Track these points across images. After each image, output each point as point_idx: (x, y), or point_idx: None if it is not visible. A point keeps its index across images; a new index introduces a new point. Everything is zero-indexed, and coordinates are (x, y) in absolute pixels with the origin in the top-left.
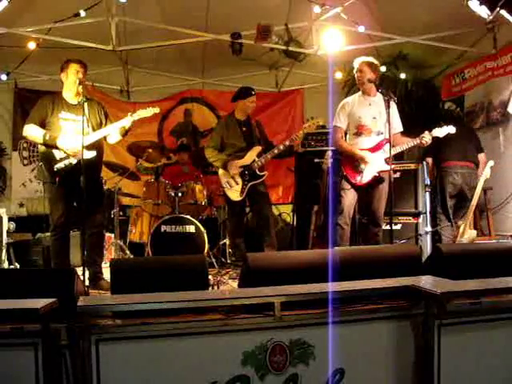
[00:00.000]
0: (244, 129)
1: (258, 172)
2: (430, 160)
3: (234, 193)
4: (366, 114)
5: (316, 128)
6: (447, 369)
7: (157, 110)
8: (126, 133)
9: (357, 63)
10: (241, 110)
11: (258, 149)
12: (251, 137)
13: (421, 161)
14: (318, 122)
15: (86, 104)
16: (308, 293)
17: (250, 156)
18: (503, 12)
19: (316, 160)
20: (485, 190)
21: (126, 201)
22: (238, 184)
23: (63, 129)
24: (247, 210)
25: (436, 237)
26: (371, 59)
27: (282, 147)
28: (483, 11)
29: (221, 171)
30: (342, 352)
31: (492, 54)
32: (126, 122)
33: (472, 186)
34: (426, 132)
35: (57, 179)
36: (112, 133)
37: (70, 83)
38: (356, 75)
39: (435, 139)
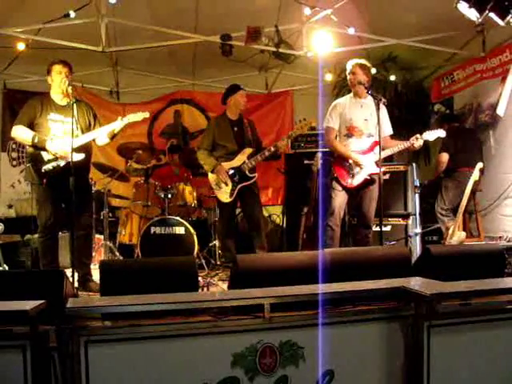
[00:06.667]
0: (236, 129)
1: (248, 174)
2: (446, 156)
3: (224, 194)
4: (357, 115)
5: (308, 130)
6: (437, 370)
7: (147, 114)
8: (114, 136)
9: (350, 65)
10: (233, 107)
11: (248, 151)
12: (243, 138)
13: (411, 162)
14: (311, 123)
15: (74, 105)
16: (298, 294)
17: (240, 158)
18: (492, 15)
19: (306, 161)
20: (474, 192)
21: (115, 202)
22: (227, 186)
23: (52, 130)
24: (237, 211)
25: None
26: (364, 62)
27: (273, 148)
28: (472, 14)
29: (210, 173)
30: (332, 353)
31: (481, 57)
32: (117, 125)
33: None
34: (418, 135)
35: (44, 180)
36: (101, 135)
37: (56, 84)
38: (348, 77)
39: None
